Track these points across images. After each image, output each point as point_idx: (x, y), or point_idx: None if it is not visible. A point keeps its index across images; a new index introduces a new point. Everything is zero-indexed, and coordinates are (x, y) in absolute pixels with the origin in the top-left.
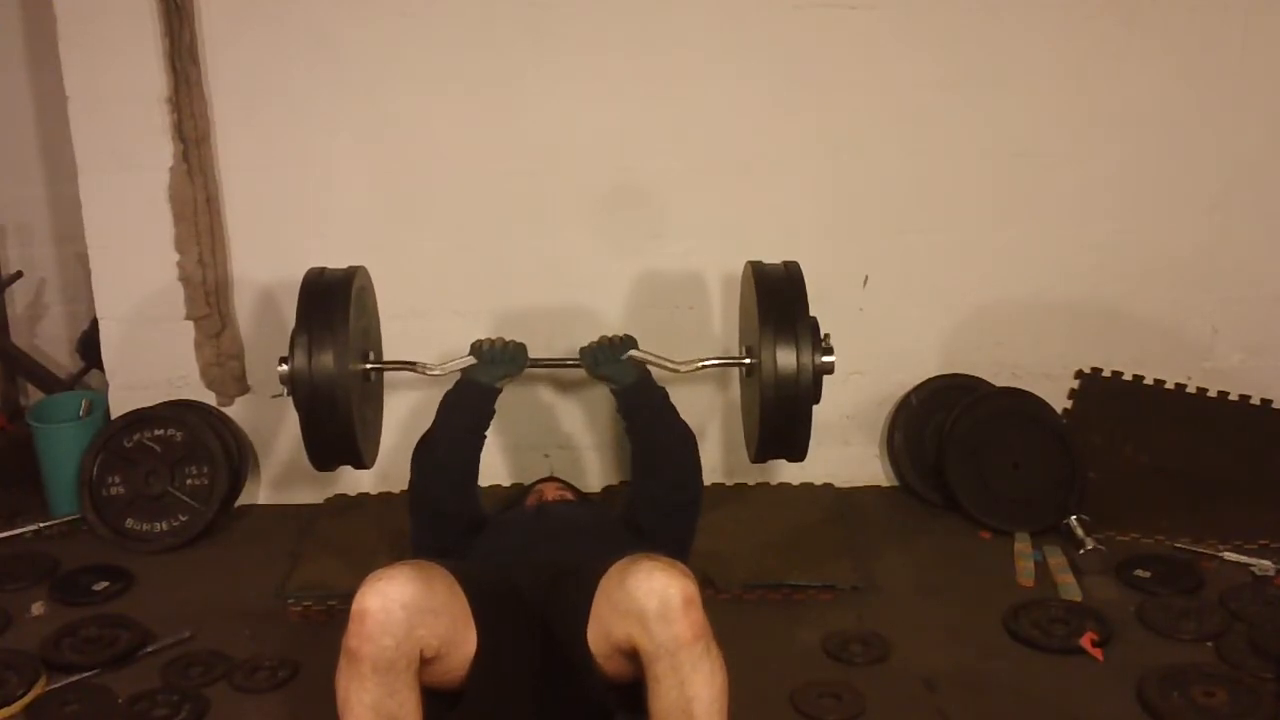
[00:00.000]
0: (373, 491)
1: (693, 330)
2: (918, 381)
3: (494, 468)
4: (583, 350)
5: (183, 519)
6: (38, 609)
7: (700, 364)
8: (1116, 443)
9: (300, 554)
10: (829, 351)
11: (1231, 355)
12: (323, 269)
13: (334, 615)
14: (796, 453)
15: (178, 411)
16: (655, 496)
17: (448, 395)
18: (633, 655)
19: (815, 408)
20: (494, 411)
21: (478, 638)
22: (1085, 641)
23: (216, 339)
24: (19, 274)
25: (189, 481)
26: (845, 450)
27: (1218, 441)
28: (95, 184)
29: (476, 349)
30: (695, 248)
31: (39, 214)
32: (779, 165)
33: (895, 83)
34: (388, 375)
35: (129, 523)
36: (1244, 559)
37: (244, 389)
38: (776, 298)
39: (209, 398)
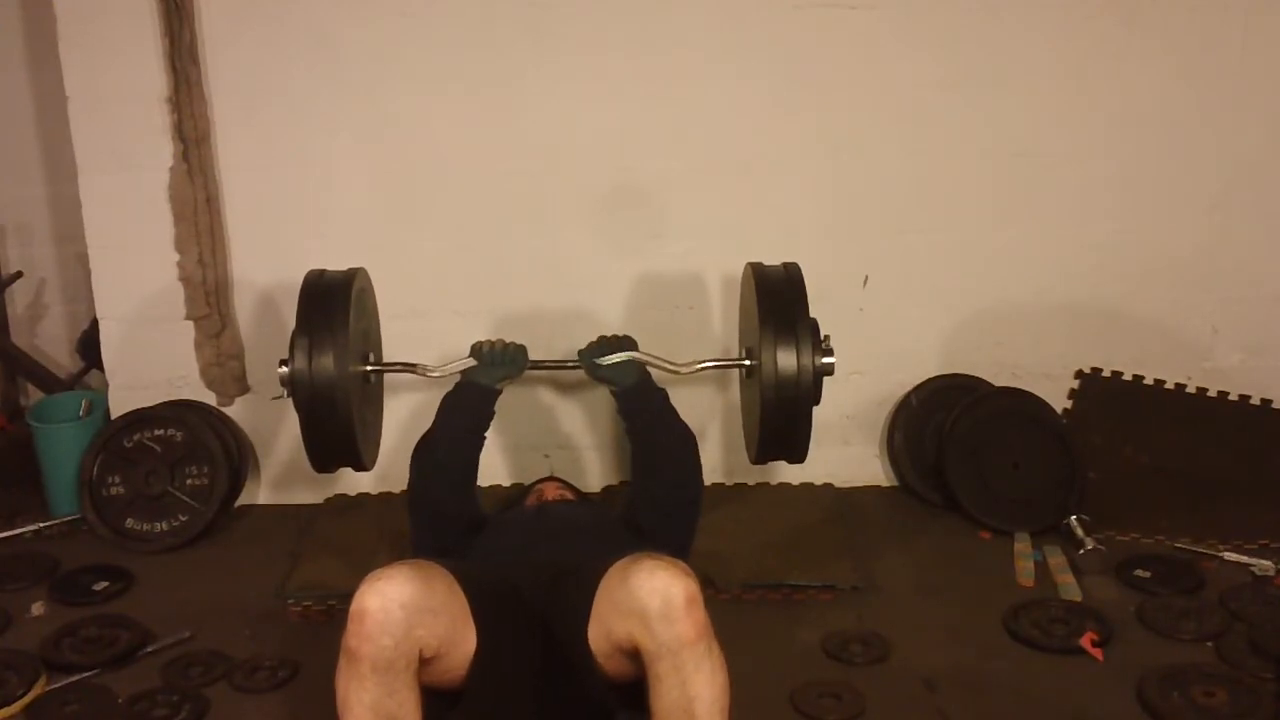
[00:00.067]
0: (373, 491)
1: (693, 330)
2: (918, 381)
3: (494, 468)
4: (582, 352)
5: (183, 519)
6: (38, 609)
7: (700, 365)
8: (1116, 443)
9: (300, 554)
10: (829, 353)
11: (1231, 355)
12: (323, 271)
13: (334, 615)
14: (797, 454)
15: (178, 411)
16: (655, 496)
17: (448, 396)
18: (634, 654)
19: (815, 408)
20: (494, 413)
21: (477, 637)
22: (1085, 641)
23: (216, 339)
24: (19, 274)
25: (189, 481)
26: (845, 450)
27: (1218, 441)
28: (95, 184)
29: (476, 351)
30: (695, 248)
31: (39, 214)
32: (779, 165)
33: (895, 83)
34: (388, 376)
35: (129, 523)
36: (1244, 559)
37: (244, 389)
38: (776, 299)
39: (209, 398)
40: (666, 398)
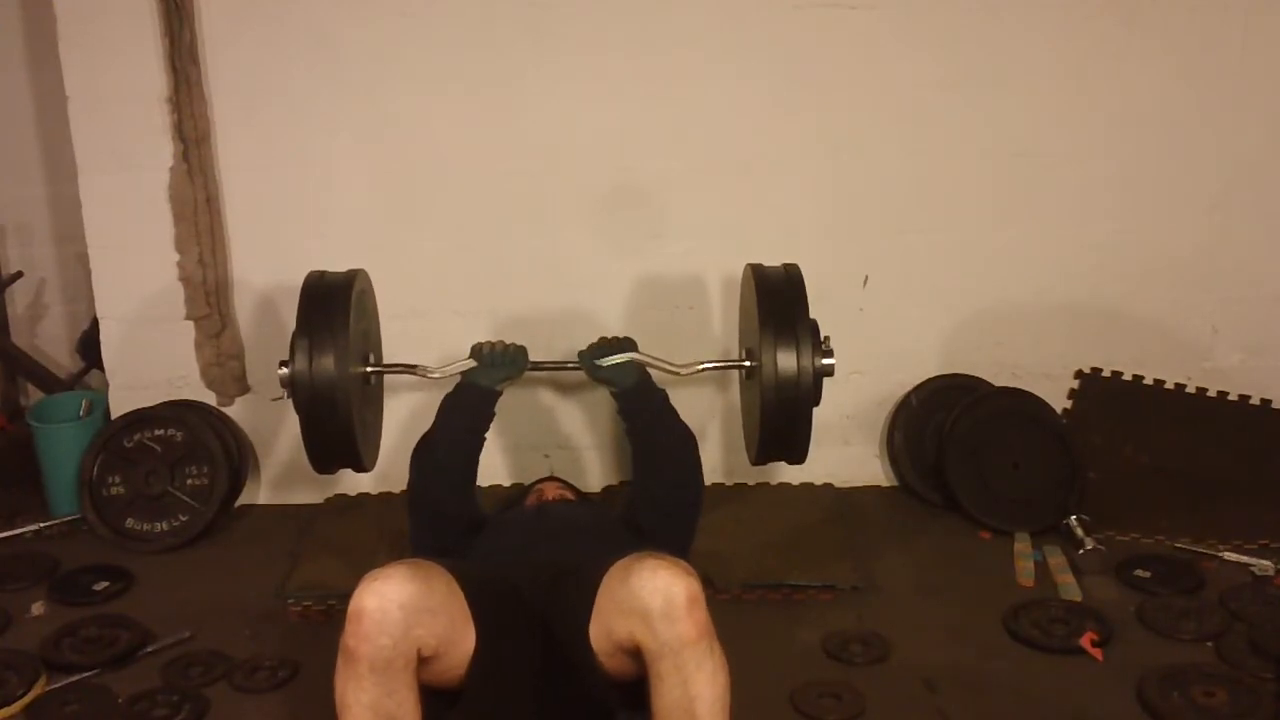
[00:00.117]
0: (373, 491)
1: (693, 330)
2: (918, 381)
3: (494, 468)
4: (582, 353)
5: (183, 519)
6: (38, 609)
7: (700, 366)
8: (1116, 443)
9: (300, 554)
10: (829, 354)
11: (1231, 355)
12: (323, 272)
13: (334, 615)
14: (797, 455)
15: (178, 411)
16: (656, 496)
17: (448, 397)
18: (635, 654)
19: (815, 409)
20: (494, 414)
21: (476, 636)
22: (1085, 641)
23: (216, 339)
24: (19, 274)
25: (189, 481)
26: (845, 450)
27: (1218, 441)
28: (95, 184)
29: (477, 352)
30: (695, 248)
31: (39, 214)
32: (779, 165)
33: (895, 83)
34: (388, 377)
35: (129, 523)
36: (1244, 559)
37: (244, 389)
38: (777, 300)
39: (209, 398)
40: (666, 398)
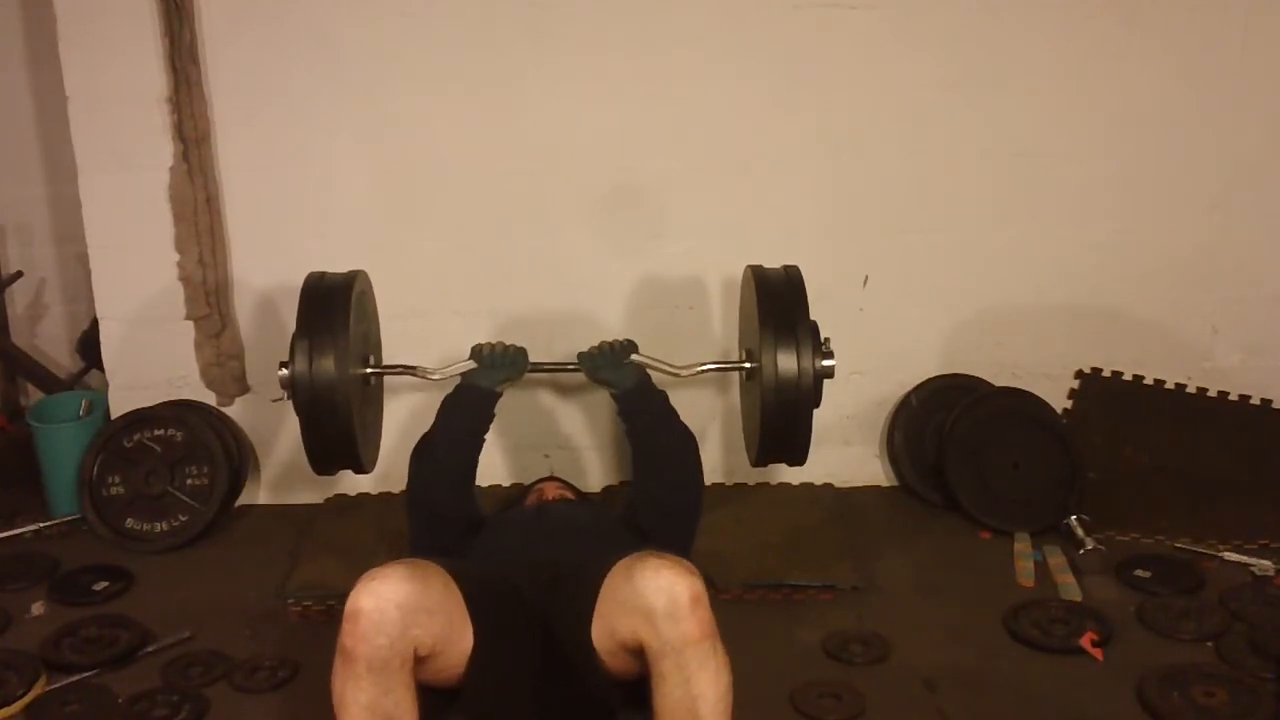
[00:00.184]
0: (373, 491)
1: (693, 330)
2: (918, 381)
3: (494, 468)
4: (581, 355)
5: (183, 519)
6: (38, 609)
7: (700, 368)
8: (1116, 443)
9: (300, 554)
10: (829, 356)
11: (1231, 355)
12: (323, 273)
13: (334, 615)
14: (797, 457)
15: (178, 411)
16: (656, 497)
17: (448, 398)
18: (637, 652)
19: (815, 409)
20: (494, 415)
21: (474, 635)
22: (1085, 641)
23: (216, 339)
24: (19, 274)
25: (189, 481)
26: (845, 450)
27: (1218, 441)
28: (95, 184)
29: (477, 353)
30: (695, 248)
31: (39, 214)
32: (779, 165)
33: (895, 83)
34: (387, 378)
35: (129, 523)
36: (1244, 559)
37: (244, 389)
38: (777, 302)
39: (209, 398)
40: (666, 400)
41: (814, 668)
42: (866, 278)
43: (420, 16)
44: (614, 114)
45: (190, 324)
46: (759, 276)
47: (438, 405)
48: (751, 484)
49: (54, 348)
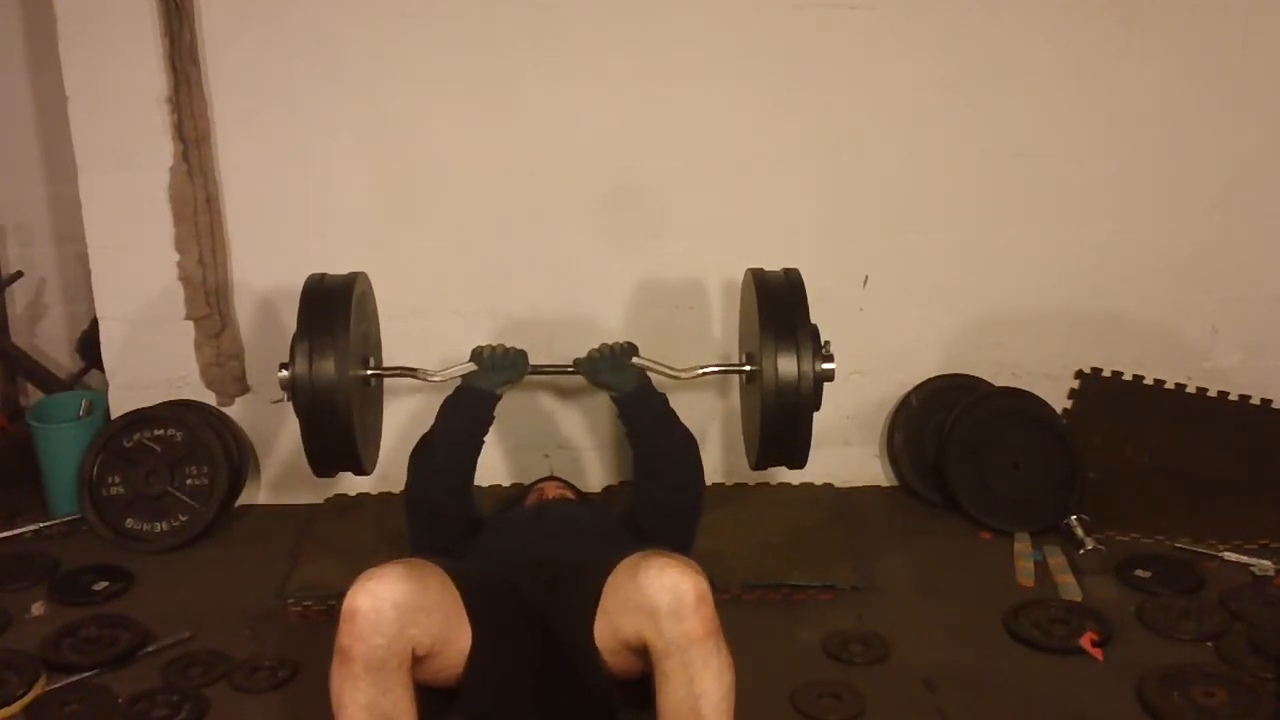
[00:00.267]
0: (373, 492)
1: (693, 330)
2: (918, 381)
3: (494, 468)
4: (579, 360)
5: (183, 519)
6: (38, 609)
7: (700, 371)
8: (1116, 443)
9: (300, 554)
10: (829, 359)
11: (1231, 355)
12: (323, 275)
13: (334, 615)
14: (797, 460)
15: (178, 411)
16: (656, 499)
17: (448, 400)
18: (640, 651)
19: (815, 413)
20: (494, 417)
21: (473, 635)
22: (1085, 641)
23: (216, 339)
24: (19, 274)
25: (189, 481)
26: (845, 450)
27: (1218, 441)
28: (95, 184)
29: (477, 355)
30: (695, 248)
31: (39, 214)
32: (779, 165)
33: (895, 83)
34: (387, 379)
35: (129, 523)
36: (1244, 559)
37: (244, 389)
38: (777, 304)
39: (209, 398)
40: (666, 402)
41: (814, 668)
42: (866, 278)
43: (420, 16)
44: (614, 114)
45: (190, 324)
46: (759, 280)
47: (437, 407)
48: (751, 484)
49: (54, 348)
